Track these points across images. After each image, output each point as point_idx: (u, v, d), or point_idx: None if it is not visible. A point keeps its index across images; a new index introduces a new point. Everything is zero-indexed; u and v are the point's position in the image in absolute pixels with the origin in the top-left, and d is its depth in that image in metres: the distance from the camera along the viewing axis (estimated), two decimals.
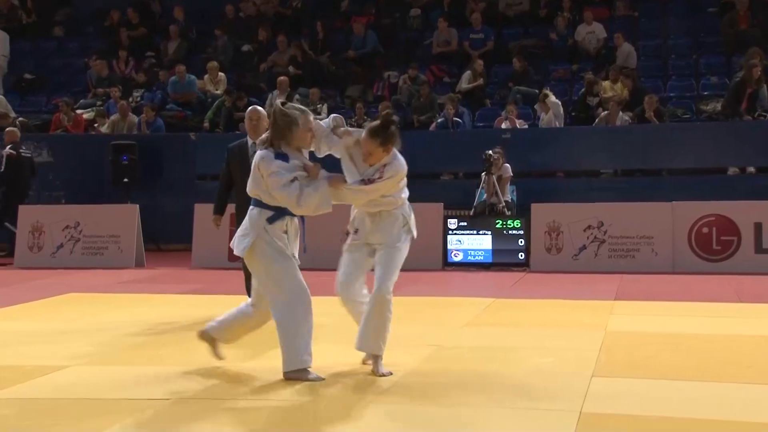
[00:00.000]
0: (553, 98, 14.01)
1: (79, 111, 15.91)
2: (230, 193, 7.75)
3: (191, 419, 4.52)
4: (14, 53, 18.32)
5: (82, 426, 4.34)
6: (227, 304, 8.19)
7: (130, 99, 16.09)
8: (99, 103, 16.19)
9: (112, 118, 15.38)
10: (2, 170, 13.22)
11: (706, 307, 8.20)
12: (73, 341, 6.61)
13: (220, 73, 16.15)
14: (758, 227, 10.98)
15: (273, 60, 16.69)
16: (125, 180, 14.04)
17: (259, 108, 7.83)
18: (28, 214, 12.65)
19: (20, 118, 15.84)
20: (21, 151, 13.58)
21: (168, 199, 14.15)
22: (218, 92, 15.80)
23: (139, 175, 14.15)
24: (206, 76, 16.20)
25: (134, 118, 15.32)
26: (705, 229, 11.13)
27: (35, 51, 18.48)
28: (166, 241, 13.92)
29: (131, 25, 18.01)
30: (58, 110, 15.73)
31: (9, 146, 13.50)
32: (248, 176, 7.39)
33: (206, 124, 15.22)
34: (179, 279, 10.92)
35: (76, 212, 12.69)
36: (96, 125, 15.67)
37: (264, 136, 5.47)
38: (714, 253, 11.06)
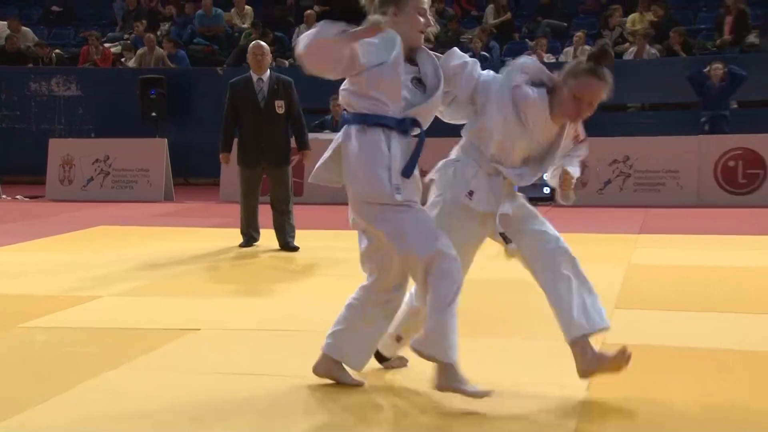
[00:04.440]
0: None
1: (107, 45, 15.87)
2: (236, 129, 7.80)
3: (221, 349, 4.63)
4: None
5: (117, 353, 4.45)
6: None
7: (158, 33, 15.98)
8: (126, 36, 16.14)
9: (139, 51, 15.31)
10: None
11: (730, 240, 8.18)
12: (104, 273, 6.73)
13: (247, 6, 15.98)
14: None
15: None
16: (153, 114, 14.05)
17: (263, 43, 7.96)
18: (58, 148, 12.74)
19: (57, 50, 15.86)
20: None
21: (196, 133, 14.15)
22: (245, 26, 15.67)
23: (167, 109, 14.15)
24: (233, 9, 16.06)
25: (161, 52, 15.25)
26: (731, 163, 11.04)
27: None
28: (194, 175, 13.99)
29: None
30: (86, 44, 15.69)
31: None
32: (256, 112, 7.53)
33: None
34: (208, 213, 11.03)
35: (105, 146, 12.77)
36: (123, 59, 15.65)
37: None
38: (740, 186, 11.00)
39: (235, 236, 8.06)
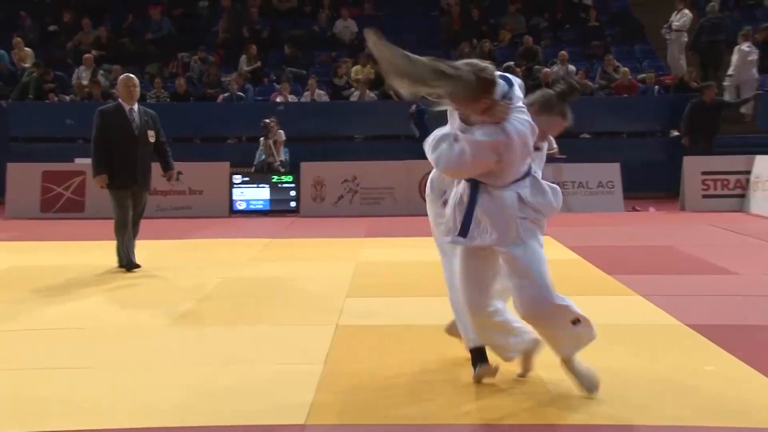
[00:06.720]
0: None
1: None
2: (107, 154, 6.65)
3: (37, 345, 4.17)
4: None
5: None
6: (41, 249, 7.62)
7: None
8: None
9: None
10: None
11: (429, 241, 8.57)
12: None
13: (27, 49, 14.74)
14: None
15: (79, 39, 15.43)
16: None
17: (133, 76, 6.91)
18: None
19: None
20: None
21: None
22: (27, 65, 14.44)
23: None
24: (14, 51, 14.73)
25: None
26: None
27: None
28: None
29: None
30: None
31: None
32: (131, 140, 6.66)
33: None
34: None
35: None
36: None
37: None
38: None
39: (24, 248, 7.31)
